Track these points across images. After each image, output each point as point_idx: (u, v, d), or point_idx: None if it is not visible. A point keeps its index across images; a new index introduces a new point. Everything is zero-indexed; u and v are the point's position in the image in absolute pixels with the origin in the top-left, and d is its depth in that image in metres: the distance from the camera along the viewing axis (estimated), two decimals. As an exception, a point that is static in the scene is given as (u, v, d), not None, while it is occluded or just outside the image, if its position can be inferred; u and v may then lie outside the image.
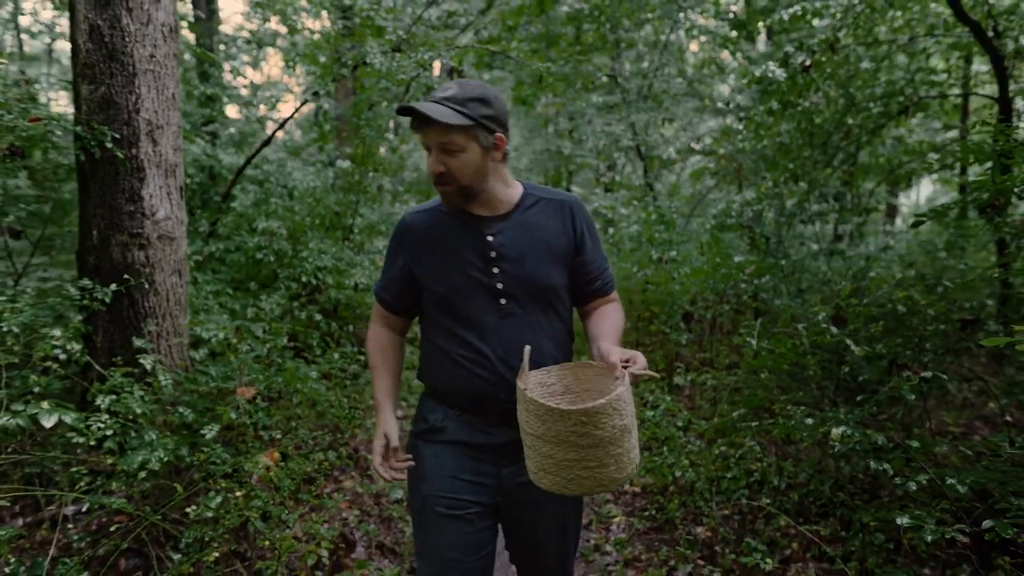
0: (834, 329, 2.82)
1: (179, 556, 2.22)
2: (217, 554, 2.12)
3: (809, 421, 2.58)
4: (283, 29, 12.24)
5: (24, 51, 14.49)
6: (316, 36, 11.18)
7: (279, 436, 2.87)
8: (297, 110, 5.24)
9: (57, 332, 2.57)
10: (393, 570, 2.57)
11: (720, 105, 10.86)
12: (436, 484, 1.70)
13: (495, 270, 1.66)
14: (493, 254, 1.66)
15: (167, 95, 3.52)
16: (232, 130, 8.72)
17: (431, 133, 1.58)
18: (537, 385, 1.64)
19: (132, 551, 2.64)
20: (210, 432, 2.32)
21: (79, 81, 3.33)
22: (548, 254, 1.70)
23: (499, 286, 1.65)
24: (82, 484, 2.55)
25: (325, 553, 2.38)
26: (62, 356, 2.73)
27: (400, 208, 8.71)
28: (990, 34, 4.78)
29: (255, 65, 13.32)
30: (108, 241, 3.37)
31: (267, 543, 2.28)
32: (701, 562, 2.81)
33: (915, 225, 2.73)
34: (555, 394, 1.68)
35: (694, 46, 13.40)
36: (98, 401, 2.38)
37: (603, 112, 11.28)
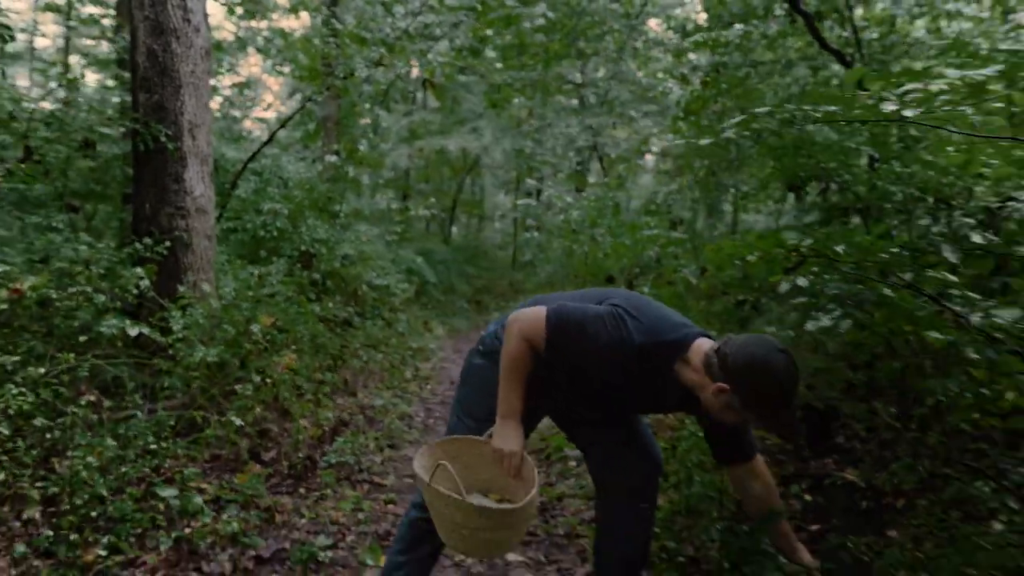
0: (692, 279, 3.98)
1: (231, 415, 3.30)
2: (258, 411, 3.20)
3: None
4: (263, 26, 12.92)
5: (6, 49, 15.28)
6: (297, 34, 12.10)
7: (294, 350, 3.97)
8: (296, 112, 6.31)
9: (139, 271, 3.64)
10: (374, 434, 3.71)
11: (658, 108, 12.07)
12: None
13: None
14: None
15: (203, 101, 4.59)
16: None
17: None
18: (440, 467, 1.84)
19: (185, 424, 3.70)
20: (256, 328, 3.41)
21: (137, 91, 4.40)
22: None
23: None
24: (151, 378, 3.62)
25: (331, 417, 3.48)
26: (135, 291, 3.81)
27: (381, 200, 9.82)
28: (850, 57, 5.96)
29: (234, 66, 14.26)
30: (158, 212, 4.44)
31: (292, 412, 3.36)
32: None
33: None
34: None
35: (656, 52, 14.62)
36: (174, 312, 3.46)
37: (564, 116, 12.46)
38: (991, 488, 1.98)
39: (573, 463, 3.65)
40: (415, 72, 15.66)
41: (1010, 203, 2.71)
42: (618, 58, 12.25)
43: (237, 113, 12.99)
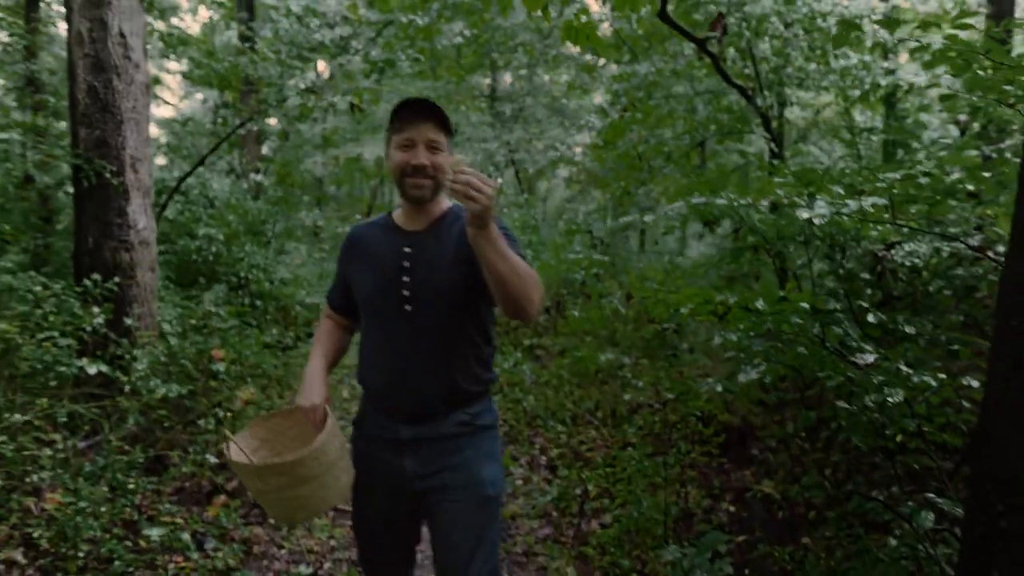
0: (621, 308, 4.43)
1: (199, 448, 3.46)
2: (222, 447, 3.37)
3: (603, 358, 4.14)
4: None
5: None
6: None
7: (247, 381, 4.13)
8: (234, 131, 6.36)
9: (97, 310, 3.71)
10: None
11: (581, 123, 12.64)
12: (359, 473, 1.86)
13: (405, 278, 1.81)
14: (406, 264, 1.82)
15: (144, 136, 4.65)
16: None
17: (426, 128, 1.74)
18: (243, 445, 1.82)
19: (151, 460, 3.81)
20: (220, 366, 3.57)
21: (78, 126, 4.41)
22: (456, 260, 1.79)
23: (405, 293, 1.80)
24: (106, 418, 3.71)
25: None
26: (89, 329, 3.87)
27: (307, 217, 9.88)
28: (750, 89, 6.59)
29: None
30: (101, 246, 4.47)
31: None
32: (536, 452, 4.34)
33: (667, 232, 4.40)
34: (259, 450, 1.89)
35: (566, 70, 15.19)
36: (136, 352, 3.57)
37: (480, 128, 12.82)
38: (883, 501, 2.43)
39: (520, 481, 4.00)
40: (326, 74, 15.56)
41: (891, 251, 3.29)
42: (532, 73, 12.72)
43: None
